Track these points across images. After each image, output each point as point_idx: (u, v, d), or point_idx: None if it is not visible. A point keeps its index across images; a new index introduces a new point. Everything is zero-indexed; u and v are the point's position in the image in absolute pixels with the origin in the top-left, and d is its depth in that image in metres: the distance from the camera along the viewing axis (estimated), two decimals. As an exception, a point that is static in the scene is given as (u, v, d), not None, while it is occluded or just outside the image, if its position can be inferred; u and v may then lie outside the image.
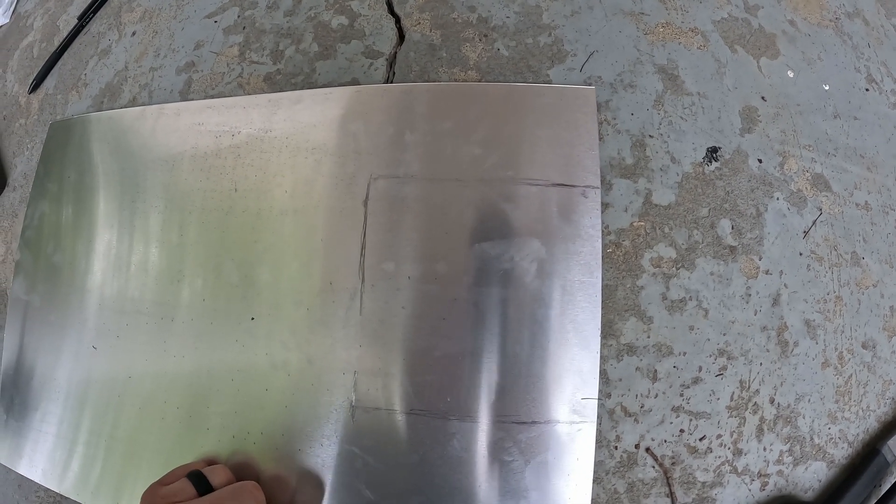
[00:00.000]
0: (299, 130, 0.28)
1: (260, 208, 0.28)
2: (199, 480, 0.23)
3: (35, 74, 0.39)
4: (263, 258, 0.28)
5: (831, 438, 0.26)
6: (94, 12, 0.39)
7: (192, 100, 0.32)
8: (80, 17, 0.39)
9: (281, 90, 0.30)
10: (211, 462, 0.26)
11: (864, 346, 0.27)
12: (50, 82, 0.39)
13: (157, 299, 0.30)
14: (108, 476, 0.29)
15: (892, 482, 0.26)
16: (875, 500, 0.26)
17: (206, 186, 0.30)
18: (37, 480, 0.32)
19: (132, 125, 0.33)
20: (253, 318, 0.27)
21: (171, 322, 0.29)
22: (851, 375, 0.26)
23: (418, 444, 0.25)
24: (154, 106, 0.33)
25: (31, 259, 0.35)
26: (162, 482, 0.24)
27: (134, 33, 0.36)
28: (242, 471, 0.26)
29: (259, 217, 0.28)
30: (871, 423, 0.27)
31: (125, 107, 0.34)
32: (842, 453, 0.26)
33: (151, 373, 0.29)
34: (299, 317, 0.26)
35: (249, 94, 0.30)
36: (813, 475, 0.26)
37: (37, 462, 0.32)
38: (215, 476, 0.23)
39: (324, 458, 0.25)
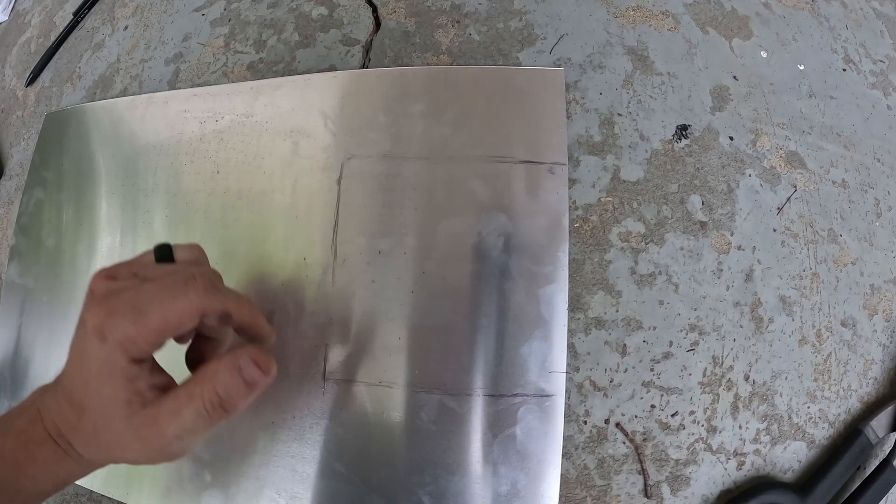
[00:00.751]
0: (279, 115, 0.31)
1: (240, 188, 0.31)
2: (162, 253, 0.20)
3: (32, 68, 0.44)
4: (243, 236, 0.31)
5: (811, 418, 0.27)
6: (89, 8, 0.43)
7: (180, 89, 0.35)
8: (76, 13, 0.43)
9: (263, 78, 0.33)
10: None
11: (843, 324, 0.28)
12: (46, 75, 0.43)
13: (140, 279, 0.33)
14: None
15: (877, 464, 0.27)
16: (859, 482, 0.27)
17: (190, 169, 0.33)
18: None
19: (123, 114, 0.37)
20: (231, 295, 0.30)
21: (153, 301, 0.32)
22: (831, 354, 0.28)
23: (387, 415, 0.27)
24: (144, 95, 0.37)
25: (26, 244, 0.38)
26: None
27: (126, 27, 0.40)
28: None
29: (239, 197, 0.31)
30: (853, 403, 0.28)
31: (117, 97, 0.38)
32: (822, 433, 0.27)
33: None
34: (274, 291, 0.29)
35: (233, 82, 0.34)
36: (792, 455, 0.27)
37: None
38: (182, 251, 0.21)
39: (295, 430, 0.27)
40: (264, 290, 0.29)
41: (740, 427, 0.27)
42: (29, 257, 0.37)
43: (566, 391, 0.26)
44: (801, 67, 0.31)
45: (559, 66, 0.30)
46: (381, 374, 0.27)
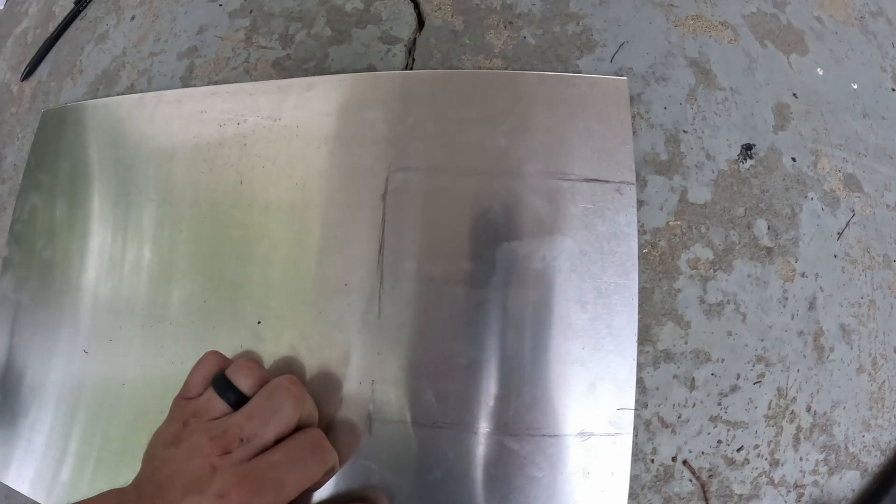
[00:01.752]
0: (311, 119, 0.24)
1: (268, 202, 0.24)
2: (224, 387, 0.19)
3: (28, 61, 0.34)
4: (271, 256, 0.23)
5: (865, 446, 0.23)
6: (92, -4, 0.34)
7: (195, 86, 0.27)
8: (77, 2, 0.33)
9: (291, 76, 0.25)
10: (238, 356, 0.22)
11: (896, 351, 0.24)
12: (44, 69, 0.34)
13: (153, 300, 0.25)
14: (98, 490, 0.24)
15: (925, 490, 0.23)
16: (908, 509, 0.23)
17: (209, 178, 0.25)
18: (24, 493, 0.27)
19: (129, 113, 0.28)
20: (259, 322, 0.23)
21: (168, 325, 0.25)
22: (884, 381, 0.23)
23: (441, 458, 0.21)
24: (153, 93, 0.28)
25: (20, 255, 0.29)
26: (185, 395, 0.20)
27: (133, 17, 0.31)
28: None
29: (267, 211, 0.24)
30: (904, 430, 0.23)
31: (122, 94, 0.29)
32: (875, 461, 0.23)
33: (146, 380, 0.25)
34: (311, 321, 0.22)
35: (257, 81, 0.26)
36: (847, 485, 0.23)
37: (25, 473, 0.27)
38: (241, 378, 0.19)
39: (339, 476, 0.21)
40: (300, 318, 0.22)
41: (801, 459, 0.22)
42: (24, 270, 0.29)
43: (634, 429, 0.21)
44: (855, 86, 0.26)
45: (621, 75, 0.24)
46: (435, 415, 0.21)
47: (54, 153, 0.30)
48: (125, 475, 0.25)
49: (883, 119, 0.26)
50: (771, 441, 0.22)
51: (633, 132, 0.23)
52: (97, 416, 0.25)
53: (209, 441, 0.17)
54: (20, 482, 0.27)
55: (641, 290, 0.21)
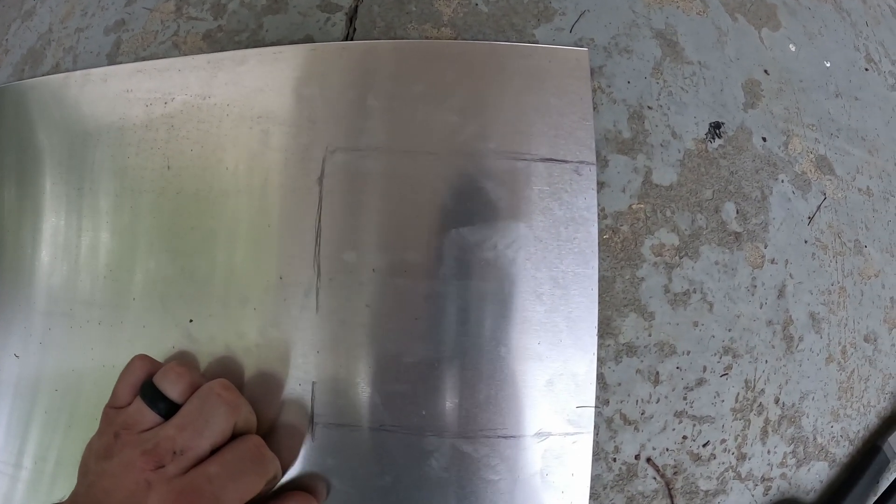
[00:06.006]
0: (243, 96, 0.21)
1: (198, 189, 0.21)
2: (153, 396, 0.17)
3: (-52, 39, 0.30)
4: (202, 248, 0.20)
5: (833, 437, 0.21)
6: (17, -32, 0.29)
7: (122, 63, 0.23)
8: (-1, -27, 0.29)
9: (223, 49, 0.22)
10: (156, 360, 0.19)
11: (866, 340, 0.22)
12: (-32, 49, 0.30)
13: (79, 298, 0.22)
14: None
15: (892, 479, 0.21)
16: (875, 498, 0.21)
17: (135, 164, 0.22)
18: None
19: (55, 94, 0.24)
20: (192, 320, 0.20)
21: (96, 325, 0.21)
22: (854, 370, 0.22)
23: (391, 464, 0.18)
24: (79, 72, 0.24)
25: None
26: (113, 405, 0.18)
27: (59, -10, 0.27)
28: None
29: (197, 199, 0.21)
30: (872, 420, 0.22)
31: (48, 74, 0.26)
32: (843, 451, 0.21)
33: (77, 385, 0.22)
34: (245, 318, 0.19)
35: (186, 55, 0.22)
36: (815, 476, 0.21)
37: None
38: (169, 385, 0.17)
39: (281, 480, 0.18)
40: (234, 315, 0.19)
41: (769, 452, 0.20)
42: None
43: (595, 427, 0.19)
44: (828, 64, 0.24)
45: (582, 46, 0.21)
46: (382, 417, 0.18)
47: (-23, 140, 0.26)
48: (60, 486, 0.22)
49: (856, 99, 0.24)
50: (738, 435, 0.20)
51: (594, 108, 0.20)
52: (28, 423, 0.22)
53: (141, 455, 0.15)
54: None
55: (602, 279, 0.19)
